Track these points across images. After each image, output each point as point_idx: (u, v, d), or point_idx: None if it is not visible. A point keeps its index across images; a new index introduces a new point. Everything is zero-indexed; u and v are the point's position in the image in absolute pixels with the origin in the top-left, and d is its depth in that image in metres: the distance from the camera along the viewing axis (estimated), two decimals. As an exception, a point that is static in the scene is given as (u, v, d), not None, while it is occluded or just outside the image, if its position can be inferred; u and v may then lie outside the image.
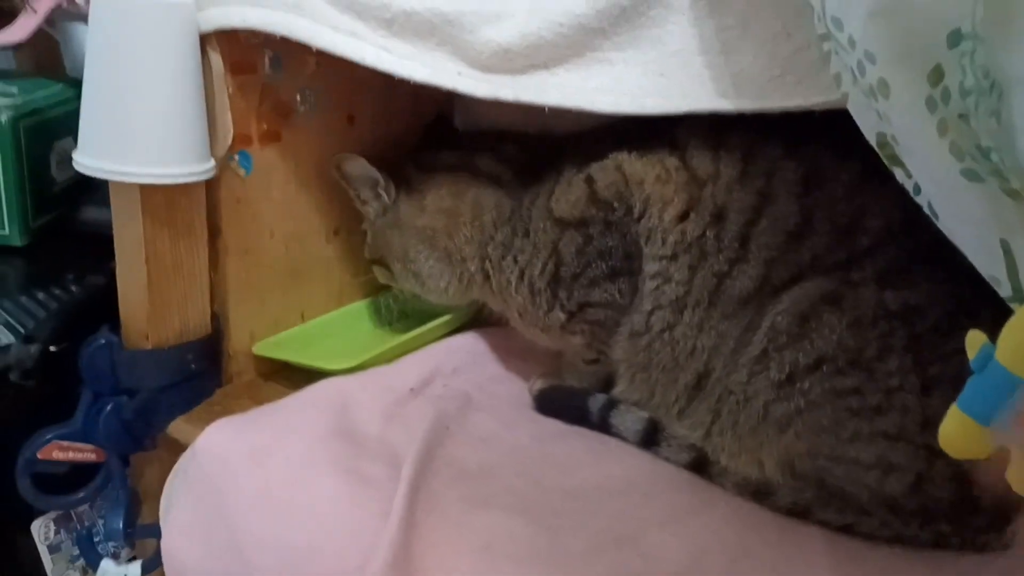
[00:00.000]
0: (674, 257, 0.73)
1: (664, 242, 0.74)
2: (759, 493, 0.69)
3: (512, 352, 0.92)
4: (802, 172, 0.71)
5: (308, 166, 0.90)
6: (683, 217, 0.73)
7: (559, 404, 0.82)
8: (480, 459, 0.74)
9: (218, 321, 0.85)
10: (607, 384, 0.82)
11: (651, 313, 0.75)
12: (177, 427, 0.80)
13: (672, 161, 0.76)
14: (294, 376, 0.86)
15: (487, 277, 0.86)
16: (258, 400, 0.82)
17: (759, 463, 0.70)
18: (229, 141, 0.80)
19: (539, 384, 0.86)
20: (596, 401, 0.80)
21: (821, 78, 0.67)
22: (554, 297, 0.81)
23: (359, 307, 0.99)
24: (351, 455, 0.72)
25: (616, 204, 0.77)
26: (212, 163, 0.78)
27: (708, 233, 0.72)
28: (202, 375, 0.83)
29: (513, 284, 0.83)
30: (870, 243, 0.68)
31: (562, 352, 0.86)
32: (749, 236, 0.70)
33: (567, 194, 0.80)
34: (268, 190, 0.86)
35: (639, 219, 0.76)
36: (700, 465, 0.73)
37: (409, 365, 0.86)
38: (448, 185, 0.86)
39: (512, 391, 0.87)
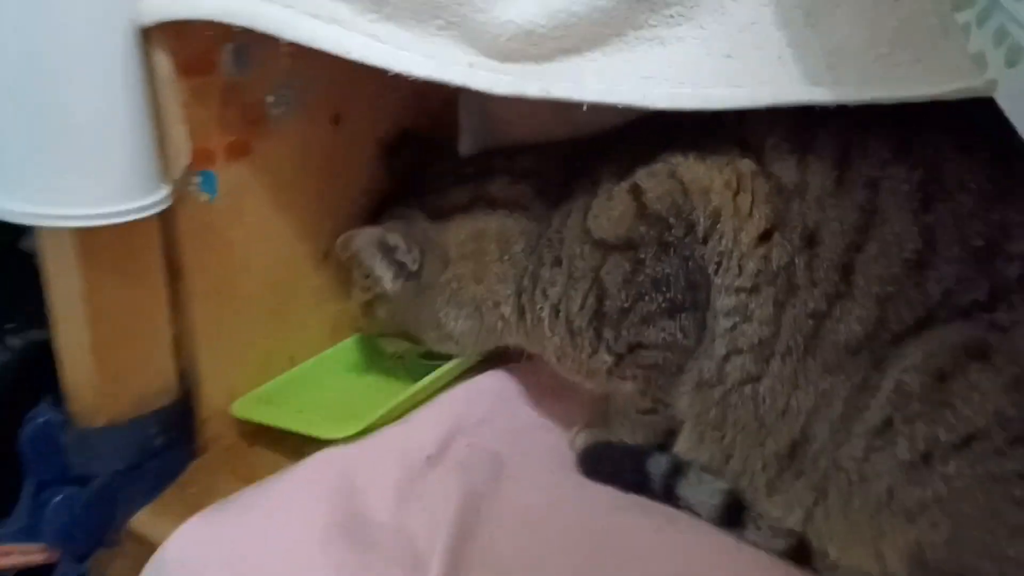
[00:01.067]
0: (755, 290, 0.58)
1: (741, 270, 0.59)
2: (881, 593, 0.55)
3: (546, 391, 0.77)
4: (918, 179, 0.56)
5: (286, 180, 0.74)
6: (765, 238, 0.58)
7: (610, 466, 0.68)
8: (522, 551, 0.60)
9: (187, 380, 0.69)
10: (667, 437, 0.67)
11: (726, 359, 0.60)
12: (142, 520, 0.65)
13: (746, 165, 0.60)
14: (285, 438, 0.71)
15: (522, 315, 0.71)
16: (241, 474, 0.68)
17: (878, 555, 0.55)
18: (186, 160, 0.64)
19: (583, 438, 0.71)
20: (657, 464, 0.65)
21: (946, 57, 0.52)
22: (598, 337, 0.65)
23: (356, 341, 0.83)
24: (360, 558, 0.57)
25: (673, 220, 0.62)
26: (166, 190, 0.62)
27: (798, 260, 0.57)
28: (170, 449, 0.68)
29: (546, 322, 0.68)
30: (1019, 272, 0.52)
31: (610, 395, 0.71)
32: (853, 265, 0.55)
33: (608, 210, 0.64)
34: (239, 215, 0.70)
35: (705, 240, 0.61)
36: (800, 554, 0.58)
37: (424, 422, 0.71)
38: (467, 227, 0.73)
39: (550, 444, 0.72)
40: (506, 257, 0.71)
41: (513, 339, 0.74)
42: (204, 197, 0.67)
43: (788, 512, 0.59)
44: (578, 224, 0.66)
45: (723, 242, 0.60)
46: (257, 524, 0.60)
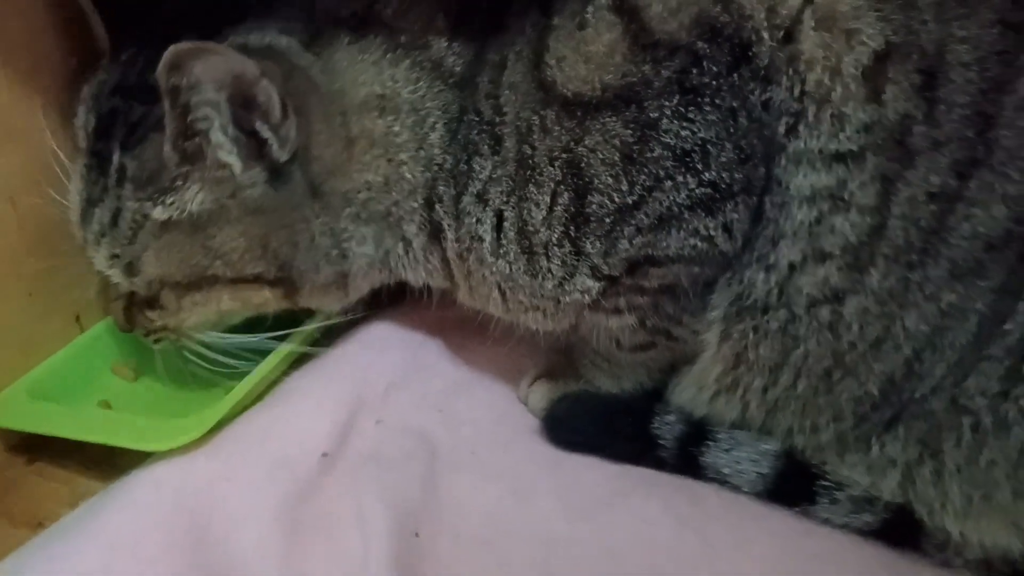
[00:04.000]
0: (859, 158, 0.38)
1: (842, 124, 0.38)
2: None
3: (471, 329, 0.54)
4: None
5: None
6: (877, 69, 0.38)
7: (592, 429, 0.47)
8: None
9: None
10: (668, 375, 0.48)
11: (796, 271, 0.40)
12: None
13: None
14: (83, 450, 0.46)
15: (435, 237, 0.47)
16: (18, 517, 0.43)
17: (1018, 529, 0.39)
18: None
19: (541, 393, 0.50)
20: (668, 426, 0.46)
21: None
22: (576, 255, 0.43)
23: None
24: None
25: (703, 45, 0.39)
26: None
27: (916, 107, 0.37)
28: None
29: (487, 242, 0.45)
30: None
31: (575, 328, 0.49)
32: (996, 114, 0.37)
33: (581, 43, 0.41)
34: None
35: (768, 75, 0.39)
36: (900, 531, 0.41)
37: (305, 402, 0.47)
38: (367, 76, 0.45)
39: (495, 405, 0.51)
40: (420, 148, 0.45)
41: (414, 273, 0.49)
42: None
43: (876, 476, 0.42)
44: (525, 77, 0.43)
45: (808, 77, 0.38)
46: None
